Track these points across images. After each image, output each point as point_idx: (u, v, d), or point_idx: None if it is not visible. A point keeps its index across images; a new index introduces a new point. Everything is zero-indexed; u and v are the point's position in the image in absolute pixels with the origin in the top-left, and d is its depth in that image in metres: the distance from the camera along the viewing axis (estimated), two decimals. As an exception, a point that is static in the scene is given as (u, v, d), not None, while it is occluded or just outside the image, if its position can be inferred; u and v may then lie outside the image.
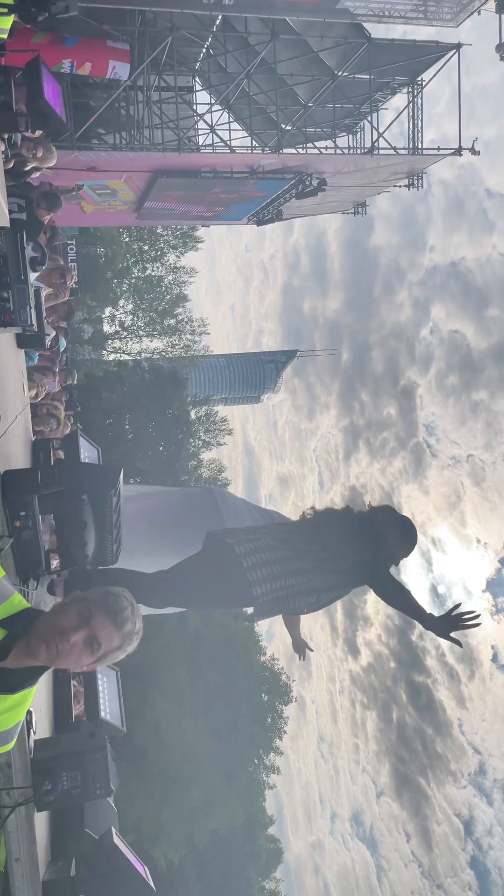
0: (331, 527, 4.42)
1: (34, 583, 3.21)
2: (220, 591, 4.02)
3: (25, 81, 4.17)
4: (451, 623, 3.94)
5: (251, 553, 4.01)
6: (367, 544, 4.33)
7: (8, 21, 3.83)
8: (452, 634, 3.94)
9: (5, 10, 3.81)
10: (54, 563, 3.08)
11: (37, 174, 6.34)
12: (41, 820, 3.59)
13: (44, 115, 4.28)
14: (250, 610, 4.20)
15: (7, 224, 4.23)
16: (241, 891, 31.76)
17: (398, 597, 4.24)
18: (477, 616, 3.92)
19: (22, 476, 2.86)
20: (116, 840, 3.75)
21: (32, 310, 2.84)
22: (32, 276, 2.95)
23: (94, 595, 1.99)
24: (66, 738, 3.69)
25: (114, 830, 3.80)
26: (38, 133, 4.75)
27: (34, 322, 2.93)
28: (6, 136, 4.53)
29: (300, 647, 4.97)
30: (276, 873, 37.94)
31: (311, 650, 4.94)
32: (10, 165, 5.37)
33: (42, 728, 3.87)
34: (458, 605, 3.96)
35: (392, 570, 4.47)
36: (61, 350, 7.29)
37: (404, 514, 4.74)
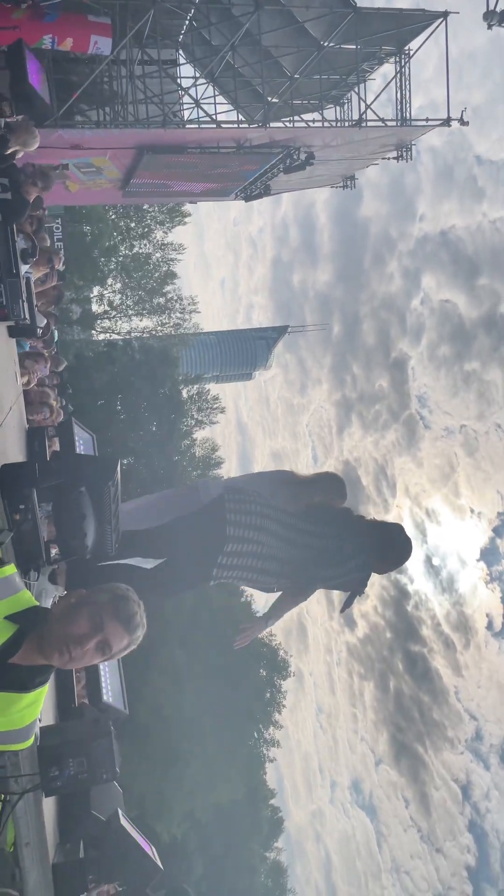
0: (331, 516, 4.47)
1: (35, 574, 3.23)
2: (194, 536, 4.07)
3: (8, 66, 4.09)
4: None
5: (238, 502, 4.10)
6: (362, 545, 4.37)
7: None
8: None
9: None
10: (53, 551, 3.10)
11: (20, 155, 6.25)
12: (49, 804, 3.65)
13: (28, 99, 4.20)
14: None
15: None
16: (244, 861, 32.42)
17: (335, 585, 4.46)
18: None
19: (20, 469, 2.87)
20: (123, 821, 3.82)
21: (25, 302, 2.82)
22: (24, 268, 2.92)
23: (103, 599, 2.02)
24: (71, 724, 3.75)
25: (120, 812, 3.87)
26: (21, 117, 4.67)
27: (27, 314, 2.91)
28: (-10, 120, 4.46)
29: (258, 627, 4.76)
30: (277, 843, 38.75)
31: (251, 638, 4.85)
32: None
33: (46, 714, 3.92)
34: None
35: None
36: (55, 339, 7.25)
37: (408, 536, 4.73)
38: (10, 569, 2.03)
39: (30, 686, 2.00)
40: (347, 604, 4.58)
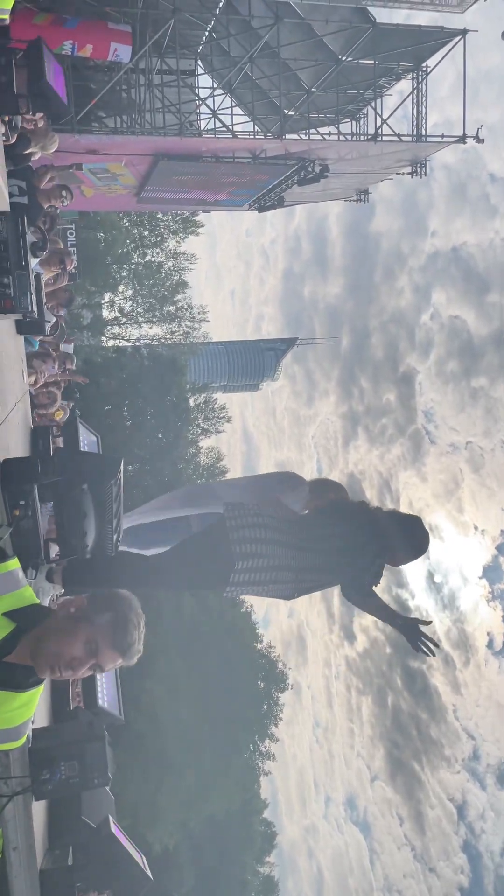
0: (339, 515, 4.42)
1: (33, 571, 3.19)
2: (203, 558, 4.02)
3: (27, 63, 4.11)
4: (417, 635, 4.12)
5: (238, 517, 4.05)
6: (376, 539, 4.33)
7: (10, 2, 3.75)
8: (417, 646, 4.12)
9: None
10: (54, 551, 3.06)
11: (37, 156, 6.27)
12: (39, 808, 3.58)
13: (45, 97, 4.21)
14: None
15: (7, 207, 4.17)
16: (236, 875, 32.09)
17: (372, 597, 4.32)
18: (436, 647, 4.13)
19: (21, 464, 2.84)
20: (114, 828, 3.75)
21: (33, 296, 2.80)
22: (33, 261, 2.91)
23: (103, 620, 1.97)
24: (64, 727, 3.69)
25: (111, 819, 3.81)
26: (39, 116, 4.68)
27: (35, 308, 2.89)
28: (7, 118, 4.47)
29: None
30: (269, 858, 38.35)
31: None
32: (12, 141, 5.28)
33: (40, 715, 3.86)
34: (429, 623, 4.11)
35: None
36: (63, 336, 7.24)
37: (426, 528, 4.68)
38: (14, 563, 2.00)
39: (24, 686, 1.97)
40: (421, 649, 4.41)
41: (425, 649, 4.16)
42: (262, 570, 4.11)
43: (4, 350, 3.44)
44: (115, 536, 3.20)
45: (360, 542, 4.33)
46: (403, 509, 5.25)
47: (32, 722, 3.62)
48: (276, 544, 4.16)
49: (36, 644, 1.92)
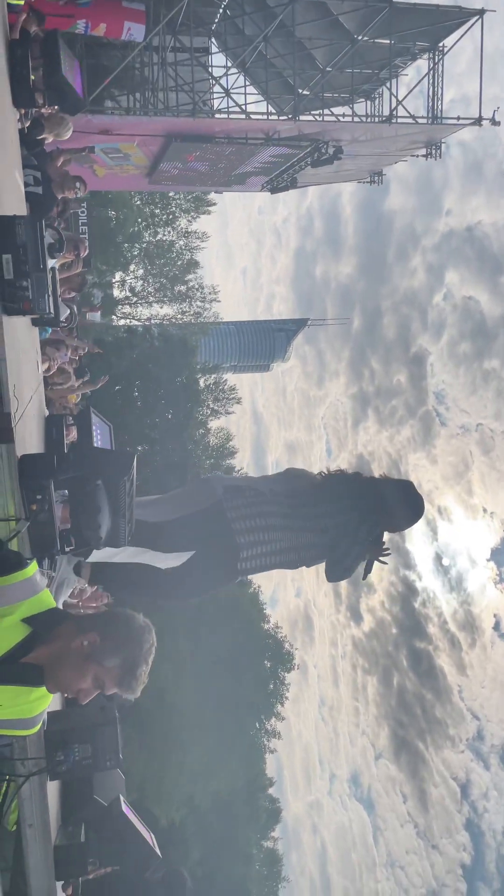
0: (337, 486, 4.50)
1: (48, 562, 3.29)
2: (208, 549, 4.11)
3: (42, 56, 4.12)
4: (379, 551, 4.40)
5: (238, 508, 4.14)
6: (369, 508, 4.42)
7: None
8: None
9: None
10: (68, 547, 3.16)
11: (49, 140, 6.28)
12: (53, 788, 3.72)
13: (61, 90, 4.23)
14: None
15: (23, 199, 4.22)
16: (241, 849, 32.69)
17: (353, 564, 4.46)
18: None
19: (38, 460, 2.92)
20: (124, 807, 3.89)
21: (50, 296, 2.86)
22: (51, 262, 2.96)
23: (113, 664, 2.06)
24: (77, 711, 3.81)
25: (122, 798, 3.94)
26: (54, 109, 4.70)
27: (52, 309, 2.95)
28: (23, 110, 4.49)
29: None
30: (274, 832, 39.02)
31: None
32: (27, 124, 5.30)
33: (54, 700, 3.99)
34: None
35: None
36: (75, 321, 7.30)
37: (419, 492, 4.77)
38: (32, 568, 2.06)
39: (40, 682, 2.05)
40: (368, 569, 4.57)
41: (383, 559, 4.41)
42: (266, 555, 4.21)
43: (21, 344, 3.51)
44: (127, 528, 3.29)
45: (355, 520, 4.42)
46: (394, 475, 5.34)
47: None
48: (277, 529, 4.25)
49: (49, 664, 2.02)
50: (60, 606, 3.08)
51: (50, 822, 3.47)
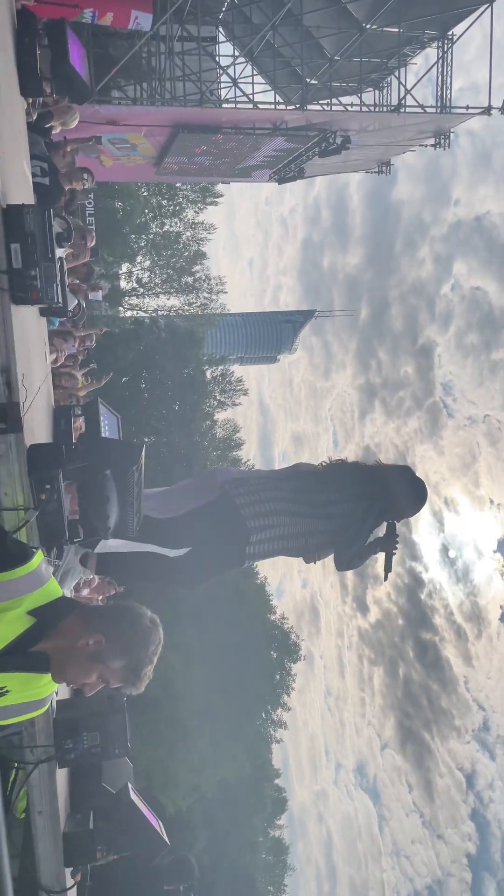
0: (340, 475, 4.51)
1: (56, 551, 3.31)
2: (217, 536, 4.13)
3: (50, 45, 4.11)
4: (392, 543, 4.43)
5: (247, 494, 4.16)
6: (373, 497, 4.43)
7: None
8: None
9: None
10: (76, 538, 3.17)
11: (57, 130, 6.27)
12: (61, 775, 3.75)
13: (68, 79, 4.22)
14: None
15: (30, 190, 4.21)
16: (247, 837, 32.92)
17: (362, 553, 4.46)
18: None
19: (47, 450, 2.93)
20: (133, 795, 3.92)
21: (58, 286, 2.86)
22: (59, 251, 2.96)
23: (117, 665, 2.08)
24: (86, 699, 3.82)
25: (130, 786, 3.97)
26: (60, 97, 4.68)
27: (60, 298, 2.96)
28: (31, 99, 4.48)
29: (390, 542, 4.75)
30: (280, 821, 39.26)
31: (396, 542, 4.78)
32: (33, 118, 5.30)
33: (63, 688, 4.01)
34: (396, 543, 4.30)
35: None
36: (83, 317, 7.30)
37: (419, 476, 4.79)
38: (37, 560, 2.05)
39: (48, 669, 2.08)
40: (388, 567, 4.55)
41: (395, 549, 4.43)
42: (274, 540, 4.24)
43: (29, 335, 3.51)
44: (136, 518, 3.31)
45: (363, 508, 4.43)
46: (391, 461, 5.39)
47: (57, 693, 3.78)
48: (285, 514, 4.27)
49: (55, 658, 2.05)
50: (67, 594, 3.09)
51: (59, 810, 3.51)
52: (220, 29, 15.59)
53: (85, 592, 5.64)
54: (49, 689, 2.20)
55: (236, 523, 4.01)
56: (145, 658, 2.12)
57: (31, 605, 2.02)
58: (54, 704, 3.59)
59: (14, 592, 1.99)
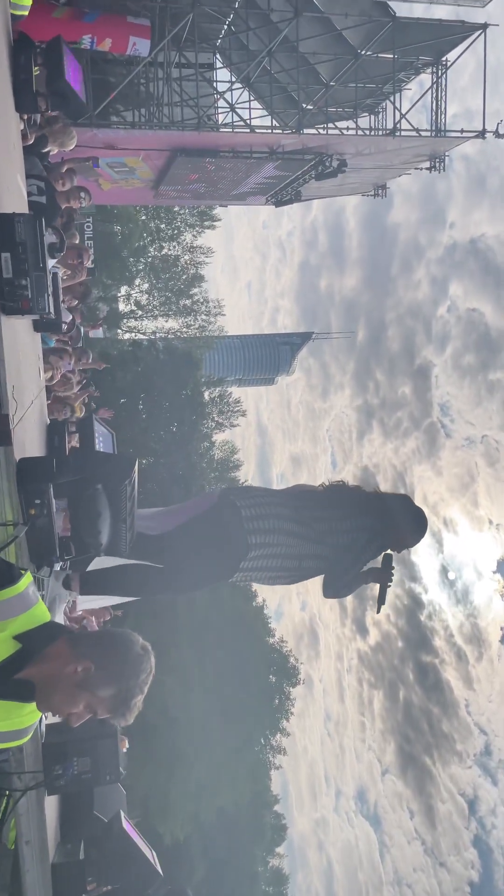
0: (345, 501, 4.45)
1: (47, 570, 3.22)
2: (214, 542, 4.05)
3: (46, 61, 4.12)
4: (388, 576, 4.36)
5: (253, 507, 4.10)
6: (374, 527, 4.36)
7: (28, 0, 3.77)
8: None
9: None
10: (67, 555, 3.09)
11: (54, 152, 6.29)
12: (52, 803, 3.63)
13: (64, 96, 4.22)
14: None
15: (26, 206, 4.19)
16: (246, 867, 32.28)
17: (353, 583, 4.39)
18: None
19: (37, 464, 2.86)
20: (125, 824, 3.79)
21: (50, 297, 2.82)
22: (51, 262, 2.93)
23: (106, 694, 1.97)
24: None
25: (122, 814, 3.84)
26: (57, 114, 4.69)
27: (51, 309, 2.91)
28: (26, 116, 4.48)
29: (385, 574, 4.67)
30: (280, 850, 38.56)
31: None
32: (31, 141, 5.32)
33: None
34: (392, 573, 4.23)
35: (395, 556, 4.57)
36: (80, 335, 7.28)
37: (418, 505, 4.76)
38: (25, 582, 1.97)
39: (31, 698, 1.98)
40: (381, 599, 4.48)
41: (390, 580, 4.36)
42: (270, 558, 4.18)
43: (22, 348, 3.46)
44: (128, 535, 3.23)
45: (364, 539, 4.37)
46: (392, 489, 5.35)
47: (46, 717, 3.67)
48: (289, 534, 4.21)
49: (40, 685, 1.94)
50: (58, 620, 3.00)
51: (48, 839, 3.38)
52: (218, 55, 15.81)
53: (79, 612, 5.53)
54: (32, 719, 2.11)
55: (237, 536, 3.93)
56: (135, 687, 2.02)
57: (16, 630, 1.94)
58: (43, 728, 3.48)
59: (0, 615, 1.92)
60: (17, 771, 3.15)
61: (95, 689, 1.95)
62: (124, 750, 3.46)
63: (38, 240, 2.63)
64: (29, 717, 2.05)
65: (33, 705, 2.00)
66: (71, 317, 6.29)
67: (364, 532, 4.38)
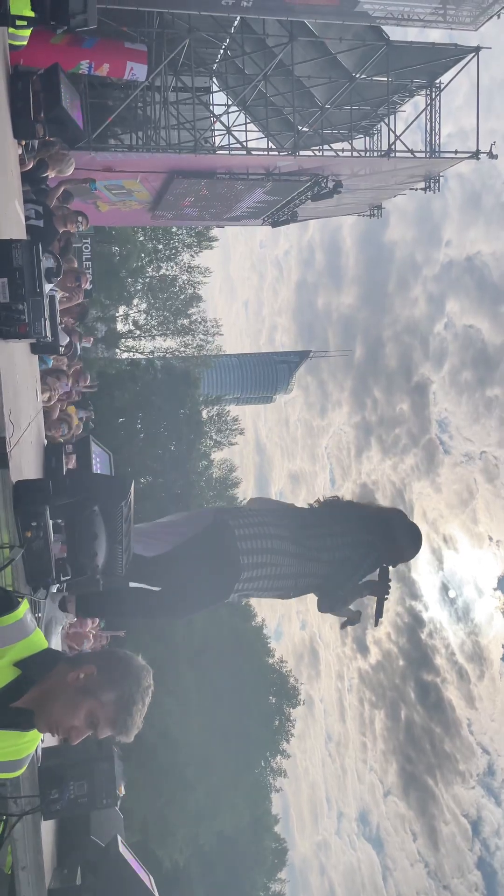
0: (340, 517, 4.47)
1: (44, 591, 3.22)
2: (208, 565, 4.06)
3: (44, 88, 4.19)
4: (385, 590, 4.41)
5: (246, 527, 4.11)
6: (371, 542, 4.38)
7: (26, 31, 3.84)
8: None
9: (24, 23, 3.83)
10: (64, 578, 3.09)
11: (52, 175, 6.37)
12: (48, 827, 3.59)
13: (61, 122, 4.29)
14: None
15: (23, 231, 4.24)
16: (246, 892, 31.77)
17: (348, 596, 4.41)
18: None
19: (34, 486, 2.87)
20: (122, 848, 3.75)
21: (47, 321, 2.85)
22: (47, 286, 2.96)
23: (108, 699, 1.97)
24: (73, 746, 3.69)
25: (119, 839, 3.80)
26: (54, 140, 4.76)
27: (48, 333, 2.94)
28: (24, 142, 4.54)
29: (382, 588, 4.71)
30: (281, 874, 37.95)
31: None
32: (30, 166, 5.39)
33: (49, 736, 3.88)
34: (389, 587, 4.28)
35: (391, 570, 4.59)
36: (77, 354, 7.33)
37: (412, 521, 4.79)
38: (22, 609, 1.98)
39: (30, 726, 1.99)
40: (378, 613, 4.51)
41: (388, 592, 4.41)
42: (263, 579, 4.19)
43: (20, 371, 3.49)
44: (124, 556, 3.23)
45: (361, 554, 4.39)
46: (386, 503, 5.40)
47: (43, 741, 3.64)
48: (281, 553, 4.22)
49: (40, 703, 1.94)
50: (53, 646, 2.99)
51: (44, 865, 3.34)
52: (214, 79, 16.05)
53: (75, 631, 5.51)
54: (28, 750, 2.11)
55: (230, 557, 3.95)
56: (137, 694, 2.02)
57: (15, 657, 1.94)
58: (39, 752, 3.46)
59: None
60: (13, 795, 3.13)
61: (98, 692, 1.96)
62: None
63: (34, 265, 2.66)
64: (26, 747, 2.05)
65: (30, 735, 2.00)
66: (68, 339, 6.34)
67: (360, 547, 4.39)
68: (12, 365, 3.16)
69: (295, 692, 31.15)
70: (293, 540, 4.30)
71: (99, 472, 4.30)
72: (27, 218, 5.00)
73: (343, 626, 4.59)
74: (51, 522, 3.21)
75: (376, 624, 4.60)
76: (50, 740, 3.89)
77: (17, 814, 3.09)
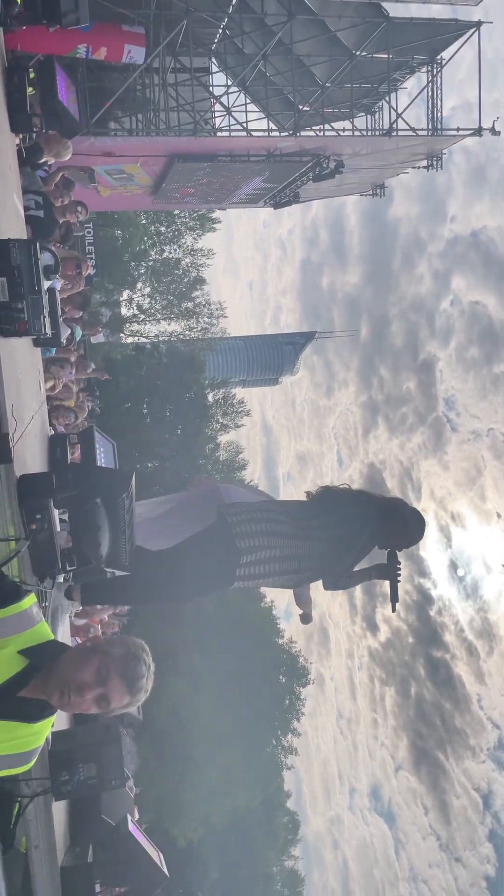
0: (328, 501, 4.52)
1: (50, 581, 3.30)
2: (209, 552, 4.12)
3: (39, 81, 4.19)
4: (395, 573, 4.42)
5: (238, 513, 4.17)
6: (365, 514, 4.43)
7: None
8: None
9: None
10: (70, 567, 3.16)
11: (51, 162, 6.36)
12: (60, 808, 3.71)
13: (57, 114, 4.30)
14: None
15: (23, 223, 4.27)
16: (260, 868, 32.31)
17: (354, 576, 4.47)
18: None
19: (38, 480, 2.94)
20: (132, 827, 3.86)
21: (46, 318, 2.90)
22: (46, 284, 3.00)
23: (116, 652, 2.04)
24: (82, 730, 3.80)
25: (129, 818, 3.92)
26: (51, 132, 4.77)
27: (48, 330, 2.99)
28: (21, 135, 4.56)
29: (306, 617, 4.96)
30: (294, 850, 38.53)
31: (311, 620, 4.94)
32: (24, 153, 5.38)
33: (60, 718, 3.98)
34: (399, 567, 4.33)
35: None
36: (76, 339, 7.35)
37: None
38: (29, 600, 2.04)
39: (37, 717, 2.03)
40: (394, 597, 4.56)
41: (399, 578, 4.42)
42: (266, 562, 4.23)
43: (21, 365, 3.54)
44: (127, 547, 3.30)
45: (357, 527, 4.44)
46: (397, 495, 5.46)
47: (53, 724, 3.74)
48: (278, 535, 4.27)
49: (46, 677, 1.99)
50: (59, 636, 3.06)
51: (56, 843, 3.46)
52: (213, 59, 15.87)
53: (83, 622, 5.61)
54: (36, 742, 2.13)
55: (227, 543, 4.01)
56: (142, 654, 2.09)
57: (21, 645, 1.99)
58: (50, 736, 3.56)
59: (2, 632, 1.97)
60: (25, 777, 3.23)
61: (105, 647, 2.05)
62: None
63: (32, 263, 2.70)
64: (32, 740, 2.09)
65: (38, 726, 2.05)
66: (70, 331, 6.37)
67: (356, 520, 4.44)
68: (13, 360, 3.21)
69: (304, 672, 31.42)
70: (288, 523, 4.36)
71: (102, 463, 4.36)
72: (27, 209, 5.02)
73: (393, 605, 4.62)
74: (56, 513, 3.28)
75: (393, 609, 4.64)
76: (61, 724, 4.00)
77: (29, 795, 3.20)
